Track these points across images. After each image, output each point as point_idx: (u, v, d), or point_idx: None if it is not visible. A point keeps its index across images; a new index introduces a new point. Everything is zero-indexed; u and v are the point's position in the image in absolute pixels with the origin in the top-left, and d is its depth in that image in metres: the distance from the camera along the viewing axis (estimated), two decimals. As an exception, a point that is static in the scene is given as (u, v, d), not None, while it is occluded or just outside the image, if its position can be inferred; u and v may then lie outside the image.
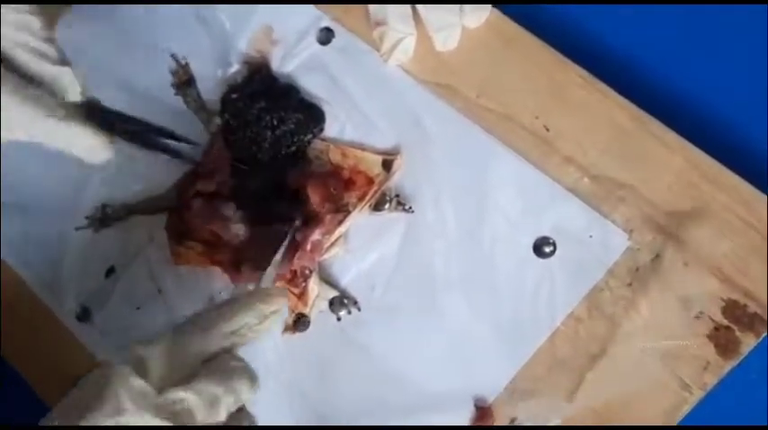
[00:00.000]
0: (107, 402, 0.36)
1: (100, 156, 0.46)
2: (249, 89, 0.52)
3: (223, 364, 0.39)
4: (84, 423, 0.35)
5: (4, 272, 0.58)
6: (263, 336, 0.42)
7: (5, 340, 0.57)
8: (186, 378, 0.38)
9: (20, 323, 0.57)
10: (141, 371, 0.37)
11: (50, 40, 0.45)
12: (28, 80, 0.44)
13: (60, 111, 0.44)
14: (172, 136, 0.51)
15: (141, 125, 0.50)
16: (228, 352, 0.40)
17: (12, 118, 0.43)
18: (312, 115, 0.51)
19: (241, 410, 0.40)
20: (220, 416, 0.38)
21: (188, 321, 0.41)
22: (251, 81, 0.53)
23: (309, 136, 0.51)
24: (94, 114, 0.46)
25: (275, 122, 0.51)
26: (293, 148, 0.51)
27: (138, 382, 0.36)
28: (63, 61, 0.45)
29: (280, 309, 0.42)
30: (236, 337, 0.40)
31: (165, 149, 0.51)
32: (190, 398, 0.37)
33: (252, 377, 0.40)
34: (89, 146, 0.45)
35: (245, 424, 0.40)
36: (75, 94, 0.46)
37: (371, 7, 0.50)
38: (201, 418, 0.37)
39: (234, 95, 0.53)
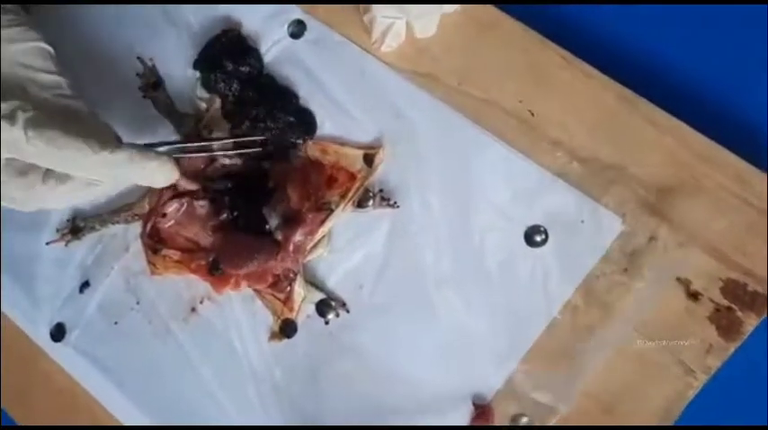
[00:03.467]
0: None
1: (168, 177, 0.45)
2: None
3: None
4: None
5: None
6: None
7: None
8: None
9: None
10: None
11: (59, 74, 0.44)
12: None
13: (111, 141, 0.42)
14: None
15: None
16: None
17: (68, 157, 0.41)
18: (304, 121, 0.50)
19: None
20: None
21: None
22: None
23: (299, 140, 0.49)
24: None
25: (267, 121, 0.49)
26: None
27: None
28: (75, 96, 0.44)
29: None
30: None
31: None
32: None
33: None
34: (155, 169, 0.44)
35: None
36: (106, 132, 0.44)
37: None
38: None
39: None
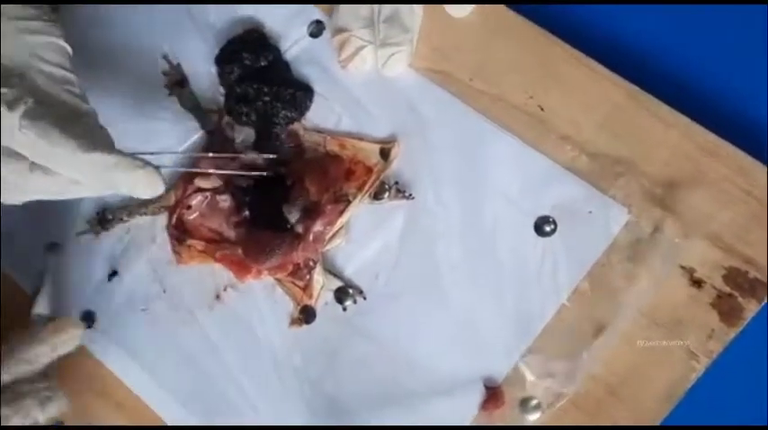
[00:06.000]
0: None
1: (152, 189, 0.44)
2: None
3: (17, 387, 0.45)
4: None
5: (3, 281, 0.58)
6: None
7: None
8: None
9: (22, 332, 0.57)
10: None
11: (72, 72, 0.45)
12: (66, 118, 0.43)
13: (102, 145, 0.42)
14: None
15: None
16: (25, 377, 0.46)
17: (56, 153, 0.42)
18: (306, 94, 0.52)
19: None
20: None
21: None
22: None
23: (297, 113, 0.52)
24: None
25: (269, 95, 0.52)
26: (282, 121, 0.52)
27: None
28: (84, 98, 0.44)
29: (71, 338, 0.48)
30: (28, 365, 0.46)
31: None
32: None
33: (44, 399, 0.45)
34: (139, 179, 0.43)
35: None
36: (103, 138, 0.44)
37: (336, 14, 0.51)
38: None
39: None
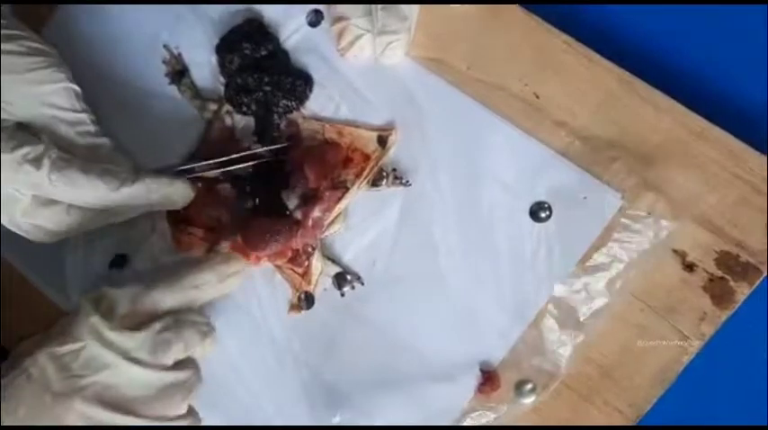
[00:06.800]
0: (68, 333, 0.41)
1: (185, 198, 0.49)
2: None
3: (181, 316, 0.44)
4: (44, 350, 0.40)
5: (5, 267, 0.58)
6: (221, 296, 0.48)
7: (10, 336, 0.57)
8: (146, 322, 0.42)
9: (23, 318, 0.58)
10: (107, 311, 0.42)
11: (84, 111, 0.48)
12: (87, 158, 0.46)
13: (129, 175, 0.46)
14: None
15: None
16: (189, 306, 0.45)
17: (87, 195, 0.45)
18: (306, 83, 0.52)
19: (188, 361, 0.45)
20: (167, 360, 0.42)
21: (155, 273, 0.47)
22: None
23: (297, 102, 0.52)
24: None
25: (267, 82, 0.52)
26: (282, 110, 0.52)
27: (94, 319, 0.41)
28: (98, 132, 0.48)
29: (239, 271, 0.48)
30: (196, 292, 0.45)
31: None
32: (139, 338, 0.41)
33: (204, 332, 0.45)
34: (171, 194, 0.48)
35: (188, 374, 0.44)
36: (125, 164, 0.48)
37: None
38: (149, 358, 0.41)
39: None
